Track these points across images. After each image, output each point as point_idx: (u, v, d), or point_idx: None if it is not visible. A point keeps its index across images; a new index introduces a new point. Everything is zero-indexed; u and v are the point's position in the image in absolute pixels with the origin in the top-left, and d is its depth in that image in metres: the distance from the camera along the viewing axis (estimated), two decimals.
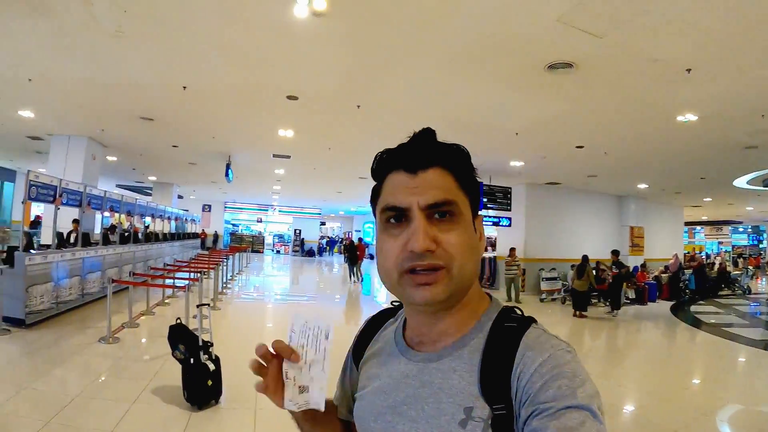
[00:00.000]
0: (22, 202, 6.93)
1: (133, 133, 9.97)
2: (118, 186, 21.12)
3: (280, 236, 35.26)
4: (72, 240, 8.27)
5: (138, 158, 13.56)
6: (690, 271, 15.50)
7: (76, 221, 8.57)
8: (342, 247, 22.56)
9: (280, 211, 32.54)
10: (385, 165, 0.83)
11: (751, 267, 21.84)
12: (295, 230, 33.09)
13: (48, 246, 7.95)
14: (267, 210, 32.60)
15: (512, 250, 13.09)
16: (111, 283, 6.38)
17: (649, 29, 4.27)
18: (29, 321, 6.61)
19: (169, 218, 15.93)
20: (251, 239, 32.70)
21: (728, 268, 18.73)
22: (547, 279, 13.68)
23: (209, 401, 4.07)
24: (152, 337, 6.68)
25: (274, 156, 11.86)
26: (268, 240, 34.79)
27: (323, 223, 35.88)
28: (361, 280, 16.81)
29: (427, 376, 0.79)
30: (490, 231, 18.43)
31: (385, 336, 0.95)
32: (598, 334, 9.21)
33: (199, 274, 7.98)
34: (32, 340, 6.04)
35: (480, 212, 0.87)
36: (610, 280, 11.36)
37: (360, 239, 20.91)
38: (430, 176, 0.78)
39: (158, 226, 14.80)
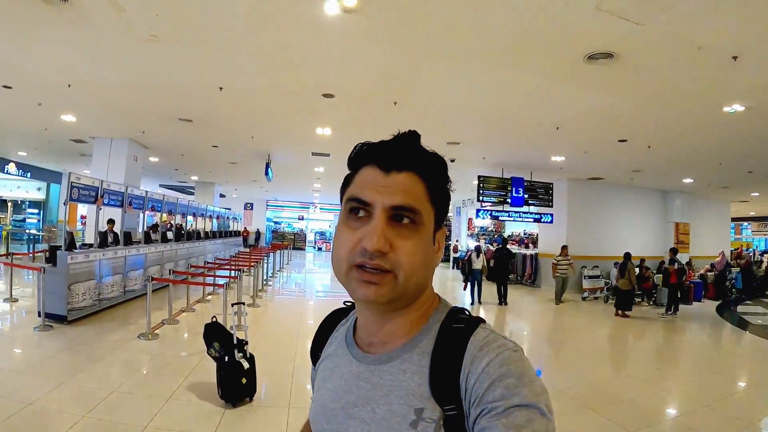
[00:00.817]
0: (64, 203, 7.16)
1: (173, 135, 10.22)
2: (162, 186, 21.76)
3: (322, 233, 35.35)
4: (110, 239, 8.50)
5: (179, 159, 13.97)
6: (737, 269, 14.83)
7: (111, 221, 8.80)
8: None
9: (321, 209, 32.90)
10: (361, 157, 0.84)
11: None
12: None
13: (91, 245, 8.20)
14: (308, 208, 33.08)
15: (564, 248, 12.56)
16: (150, 281, 6.51)
17: (692, 15, 4.05)
18: (71, 317, 6.81)
19: (210, 216, 16.27)
20: (293, 237, 32.99)
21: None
22: (590, 277, 13.37)
23: (243, 399, 4.11)
24: (191, 334, 6.79)
25: (313, 154, 11.94)
26: (310, 237, 35.00)
27: None
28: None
29: (377, 377, 0.80)
30: (531, 228, 18.10)
31: (338, 337, 0.95)
32: (640, 335, 8.90)
33: (238, 272, 8.08)
34: (73, 336, 6.20)
35: (445, 224, 0.88)
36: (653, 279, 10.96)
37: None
38: (401, 179, 0.78)
39: (200, 225, 15.13)
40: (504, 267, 12.13)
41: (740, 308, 12.24)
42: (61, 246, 7.14)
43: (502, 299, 11.51)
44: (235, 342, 4.14)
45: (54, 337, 6.08)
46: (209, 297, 9.74)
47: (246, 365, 4.10)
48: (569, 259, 12.35)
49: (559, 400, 4.78)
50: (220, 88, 6.70)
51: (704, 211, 17.88)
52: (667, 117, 7.25)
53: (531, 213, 13.74)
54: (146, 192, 10.06)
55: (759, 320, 10.51)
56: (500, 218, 15.25)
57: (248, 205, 30.18)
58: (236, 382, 4.01)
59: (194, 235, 13.77)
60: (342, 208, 0.83)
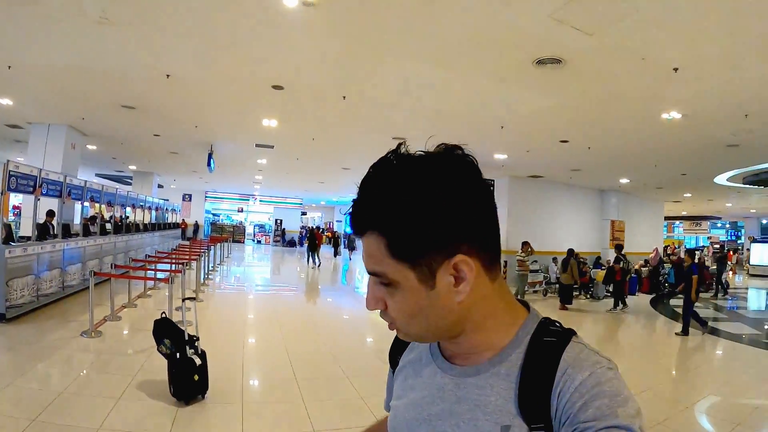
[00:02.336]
0: (1, 193, 6.69)
1: (115, 122, 9.79)
2: (98, 175, 20.80)
3: (261, 226, 35.12)
4: (51, 232, 8.08)
5: (119, 147, 13.35)
6: (669, 265, 15.76)
7: (51, 213, 8.37)
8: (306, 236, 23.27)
9: (261, 201, 32.42)
10: None
11: (729, 262, 22.29)
12: (277, 220, 32.97)
13: (28, 238, 7.77)
14: (248, 200, 32.51)
15: (525, 244, 12.58)
16: (93, 276, 6.24)
17: (639, 28, 4.28)
18: (10, 315, 6.47)
19: (150, 208, 15.73)
20: (232, 229, 32.39)
21: (707, 263, 19.08)
22: (530, 271, 13.79)
23: (195, 396, 4.03)
24: (135, 331, 6.59)
25: (257, 146, 11.77)
26: (249, 230, 34.61)
27: (304, 213, 35.68)
28: (317, 264, 18.17)
29: (463, 391, 0.77)
30: None
31: (422, 344, 0.91)
32: (581, 325, 9.33)
33: (181, 266, 7.87)
34: (13, 334, 5.91)
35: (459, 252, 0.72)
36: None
37: (318, 227, 23.58)
38: (365, 243, 0.74)
39: (138, 216, 14.61)
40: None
41: (672, 301, 13.02)
42: None
43: None
44: (186, 338, 4.04)
45: None
46: (150, 292, 9.42)
47: (198, 361, 4.01)
48: (531, 255, 12.68)
49: None
50: (167, 76, 6.47)
51: (639, 209, 18.81)
52: (608, 121, 7.59)
53: None
54: (85, 182, 9.61)
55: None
56: None
57: (186, 196, 29.39)
58: (189, 380, 3.92)
59: (133, 228, 13.30)
60: None
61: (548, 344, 0.74)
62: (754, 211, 26.57)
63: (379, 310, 0.76)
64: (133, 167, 18.48)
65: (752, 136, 7.75)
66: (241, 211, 34.15)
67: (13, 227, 7.91)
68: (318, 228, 26.10)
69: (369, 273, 0.74)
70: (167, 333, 4.00)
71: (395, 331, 0.79)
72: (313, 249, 18.47)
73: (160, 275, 8.17)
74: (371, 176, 0.73)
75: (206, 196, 30.88)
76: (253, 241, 34.02)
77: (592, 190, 17.08)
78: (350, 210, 0.75)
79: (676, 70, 5.12)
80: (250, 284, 13.69)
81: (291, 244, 31.58)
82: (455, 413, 0.76)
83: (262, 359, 5.83)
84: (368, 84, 6.51)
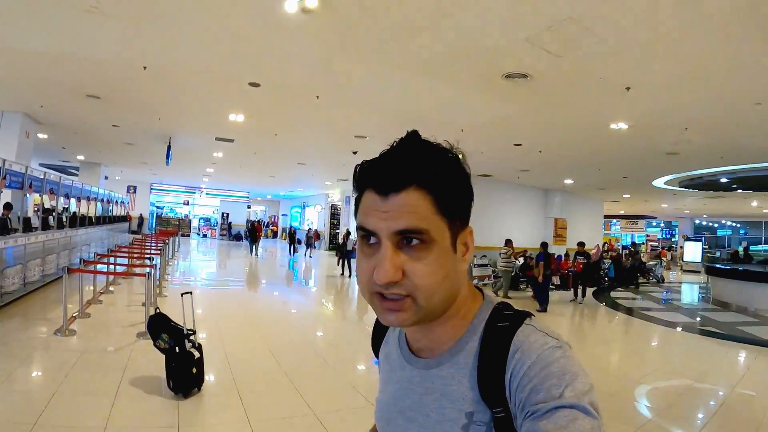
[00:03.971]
0: None
1: (75, 111, 9.51)
2: (42, 165, 19.85)
3: (207, 219, 34.33)
4: (10, 225, 7.84)
5: (72, 137, 12.80)
6: (609, 260, 16.91)
7: (8, 206, 8.06)
8: (247, 230, 23.72)
9: (207, 194, 31.76)
10: (362, 179, 0.78)
11: (664, 258, 23.97)
12: (223, 214, 32.48)
13: None
14: (194, 192, 31.68)
15: (509, 242, 13.06)
16: (66, 272, 6.20)
17: (600, 54, 4.84)
18: None
19: (102, 201, 15.29)
20: (177, 222, 31.60)
21: (644, 259, 20.53)
22: (479, 266, 14.49)
23: (192, 389, 4.19)
24: (107, 327, 6.56)
25: (217, 139, 11.74)
26: (194, 223, 33.79)
27: (249, 207, 35.24)
28: (256, 255, 20.03)
29: (429, 382, 0.81)
30: None
31: (394, 338, 0.95)
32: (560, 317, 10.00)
33: (148, 260, 7.89)
34: None
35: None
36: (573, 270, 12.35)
37: (259, 221, 25.52)
38: (401, 200, 0.71)
39: (88, 209, 14.13)
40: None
41: (613, 294, 14.16)
42: None
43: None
44: (185, 332, 4.21)
45: None
46: (112, 288, 9.35)
47: (196, 355, 4.19)
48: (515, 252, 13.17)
49: None
50: (144, 68, 6.40)
51: (580, 208, 19.95)
52: (562, 128, 8.23)
53: None
54: (45, 173, 9.36)
55: (629, 303, 12.43)
56: None
57: (131, 188, 28.37)
58: (188, 373, 4.09)
59: (87, 221, 12.97)
60: (357, 233, 0.79)
61: (501, 329, 0.76)
62: (688, 211, 28.43)
63: (384, 285, 0.71)
64: (81, 157, 17.68)
65: (690, 146, 8.63)
66: (187, 203, 33.13)
67: None
68: (259, 221, 26.83)
69: (400, 232, 0.71)
70: (164, 328, 4.16)
71: (395, 315, 0.73)
72: (254, 240, 20.61)
73: (119, 269, 8.12)
74: (411, 140, 0.77)
75: (152, 188, 29.91)
76: (199, 234, 33.26)
77: (537, 189, 18.06)
78: (385, 164, 0.75)
79: (628, 89, 5.75)
80: (209, 279, 13.70)
81: (237, 238, 31.07)
82: (424, 404, 0.80)
83: (242, 351, 5.97)
84: (343, 86, 6.75)
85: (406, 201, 0.71)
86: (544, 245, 11.28)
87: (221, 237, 32.04)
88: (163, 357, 4.44)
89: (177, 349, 4.10)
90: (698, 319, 10.68)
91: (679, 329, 9.35)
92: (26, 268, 8.04)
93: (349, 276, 14.87)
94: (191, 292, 4.82)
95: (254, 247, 20.75)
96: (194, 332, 4.36)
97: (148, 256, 8.56)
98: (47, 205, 10.34)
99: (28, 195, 8.47)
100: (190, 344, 4.22)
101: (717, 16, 4.00)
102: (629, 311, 11.17)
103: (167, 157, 12.33)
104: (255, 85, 6.92)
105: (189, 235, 31.40)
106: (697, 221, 34.03)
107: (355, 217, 0.79)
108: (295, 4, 4.24)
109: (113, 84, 7.45)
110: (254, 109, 8.58)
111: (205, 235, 33.19)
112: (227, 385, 4.60)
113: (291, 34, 5.05)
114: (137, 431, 3.58)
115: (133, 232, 23.38)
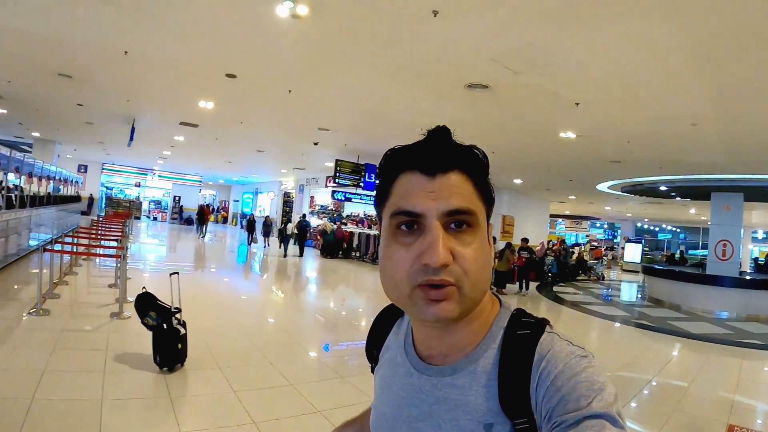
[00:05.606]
0: None
1: (42, 88, 9.44)
2: None
3: (158, 202, 33.66)
4: None
5: (32, 113, 12.57)
6: (552, 257, 17.98)
7: None
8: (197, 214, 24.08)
9: (159, 176, 31.29)
10: (396, 163, 0.76)
11: (601, 258, 25.40)
12: (175, 197, 32.09)
13: None
14: (146, 174, 31.15)
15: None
16: (42, 252, 6.31)
17: (554, 74, 5.51)
18: None
19: (58, 179, 14.97)
20: (128, 204, 30.76)
21: (585, 257, 21.83)
22: None
23: (176, 364, 4.50)
24: (80, 307, 6.69)
25: (181, 123, 11.86)
26: (144, 206, 33.06)
27: (200, 191, 34.79)
28: (203, 237, 21.59)
29: (441, 392, 0.77)
30: (372, 210, 20.14)
31: (397, 342, 0.91)
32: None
33: (119, 242, 8.03)
34: None
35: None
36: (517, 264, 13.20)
37: (208, 205, 27.41)
38: (450, 180, 0.71)
39: (39, 188, 13.81)
40: (302, 234, 18.03)
41: (555, 288, 15.14)
42: None
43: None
44: (172, 310, 4.54)
45: None
46: (75, 269, 9.38)
47: (182, 331, 4.53)
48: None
49: None
50: (126, 53, 6.54)
51: (527, 206, 21.00)
52: (515, 133, 8.94)
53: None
54: (10, 152, 9.25)
55: (569, 297, 13.32)
56: (353, 200, 18.41)
57: (82, 167, 27.57)
58: (174, 348, 4.41)
59: (38, 200, 12.62)
60: (385, 224, 0.76)
61: (522, 337, 0.75)
62: (630, 215, 30.17)
63: (433, 271, 0.68)
64: (36, 134, 17.23)
65: (632, 156, 9.52)
66: (138, 185, 32.37)
67: None
68: (208, 205, 28.22)
69: (451, 212, 0.70)
70: (151, 306, 4.46)
71: (442, 306, 0.69)
72: (202, 223, 22.12)
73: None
74: (446, 130, 0.78)
75: (103, 168, 29.13)
76: (149, 217, 32.63)
77: None
78: (428, 147, 0.75)
79: (577, 104, 6.44)
80: (166, 259, 13.95)
81: (189, 222, 30.65)
82: (435, 414, 0.76)
83: (213, 329, 6.27)
84: (316, 83, 7.16)
85: (453, 182, 0.72)
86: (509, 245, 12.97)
87: (172, 221, 31.65)
88: (141, 335, 4.82)
89: (165, 326, 4.41)
90: (633, 313, 11.61)
91: (613, 321, 10.22)
92: None
93: (284, 256, 17.30)
94: (178, 273, 5.12)
95: (202, 228, 22.09)
96: (179, 310, 4.68)
97: (116, 237, 8.64)
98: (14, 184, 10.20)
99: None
100: (176, 321, 4.54)
101: (659, 50, 4.67)
102: (568, 304, 12.07)
103: (131, 138, 12.34)
104: (231, 76, 7.20)
105: (139, 218, 30.66)
106: (639, 224, 36.19)
107: (380, 205, 0.78)
108: (287, 10, 4.61)
109: (89, 65, 7.49)
110: (226, 98, 8.83)
111: (155, 218, 32.56)
112: (207, 359, 4.93)
113: (276, 34, 5.39)
114: (132, 402, 3.87)
115: (83, 213, 22.76)
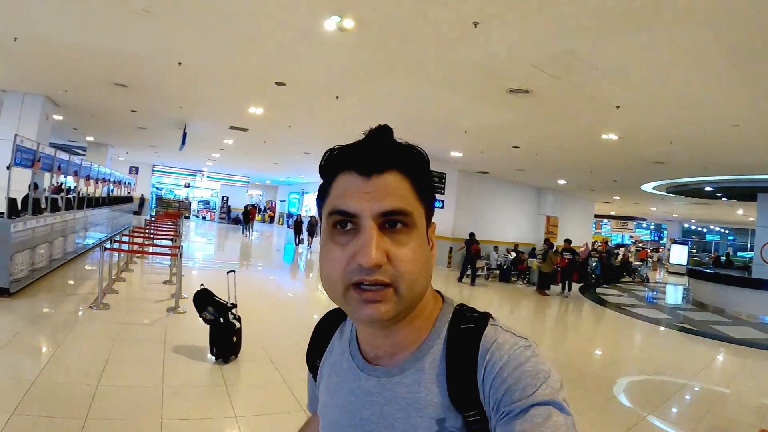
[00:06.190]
0: (8, 168, 6.77)
1: (98, 97, 10.03)
2: (51, 145, 20.16)
3: (206, 202, 34.74)
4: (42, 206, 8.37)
5: (87, 119, 13.35)
6: (597, 258, 17.69)
7: (36, 186, 8.44)
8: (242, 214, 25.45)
9: (208, 177, 32.18)
10: (335, 163, 0.76)
11: (647, 259, 24.71)
12: (223, 197, 32.93)
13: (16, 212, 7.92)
14: (195, 175, 32.12)
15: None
16: (103, 250, 6.76)
17: (593, 78, 5.59)
18: (13, 289, 6.52)
19: (112, 181, 15.82)
20: (177, 204, 31.85)
21: (630, 259, 21.33)
22: None
23: (230, 356, 4.83)
24: (137, 302, 7.18)
25: (231, 127, 12.31)
26: (193, 206, 34.19)
27: (247, 191, 35.78)
28: (250, 235, 22.99)
29: (390, 392, 0.76)
30: None
31: (339, 346, 0.90)
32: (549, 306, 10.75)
33: (173, 241, 8.47)
34: (25, 309, 6.06)
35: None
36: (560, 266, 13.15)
37: (254, 205, 28.62)
38: (385, 181, 0.71)
39: (95, 190, 14.59)
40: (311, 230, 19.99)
41: (598, 290, 14.94)
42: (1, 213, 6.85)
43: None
44: (229, 306, 4.87)
45: (5, 310, 5.86)
46: (131, 266, 9.90)
47: (237, 325, 4.85)
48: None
49: None
50: (179, 63, 6.93)
51: (572, 207, 20.71)
52: (557, 135, 8.97)
53: None
54: (69, 157, 9.88)
55: (612, 299, 13.16)
56: None
57: (133, 168, 28.71)
58: (229, 341, 4.75)
59: (96, 202, 13.39)
60: (324, 222, 0.76)
61: (466, 331, 0.75)
62: (676, 215, 29.40)
63: (366, 272, 0.67)
64: (90, 138, 18.18)
65: (675, 157, 9.41)
66: (188, 186, 33.48)
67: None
68: (253, 206, 28.97)
69: (385, 213, 0.69)
70: (209, 302, 4.79)
71: (376, 307, 0.69)
72: (247, 222, 23.51)
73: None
74: (386, 131, 0.76)
75: (153, 170, 30.31)
76: (197, 217, 33.66)
77: (531, 187, 18.79)
78: (365, 147, 0.74)
79: (618, 107, 6.45)
80: (221, 258, 14.63)
81: (236, 221, 31.27)
82: (387, 415, 0.76)
83: (265, 324, 6.63)
84: (363, 89, 7.43)
85: (389, 182, 0.71)
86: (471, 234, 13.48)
87: (220, 220, 32.50)
88: (196, 329, 5.22)
89: (221, 320, 4.74)
90: (674, 316, 11.42)
91: (653, 324, 10.06)
92: (52, 246, 8.56)
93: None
94: (234, 271, 5.45)
95: (247, 227, 23.58)
96: (235, 306, 5.01)
97: (169, 236, 9.12)
98: (70, 186, 10.89)
99: (59, 177, 8.94)
100: (232, 316, 4.86)
101: (697, 53, 4.69)
102: (611, 306, 11.95)
103: (182, 142, 12.89)
104: (281, 84, 7.53)
105: (189, 218, 31.65)
106: (686, 225, 35.14)
107: (320, 205, 0.78)
108: (334, 24, 4.87)
109: (144, 75, 7.98)
110: (275, 104, 9.17)
111: (204, 218, 33.58)
112: (259, 352, 5.23)
113: (323, 46, 5.67)
114: (190, 389, 4.21)
115: (135, 213, 23.83)
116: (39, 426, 3.22)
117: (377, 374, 0.79)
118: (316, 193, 0.80)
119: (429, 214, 0.77)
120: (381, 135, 0.75)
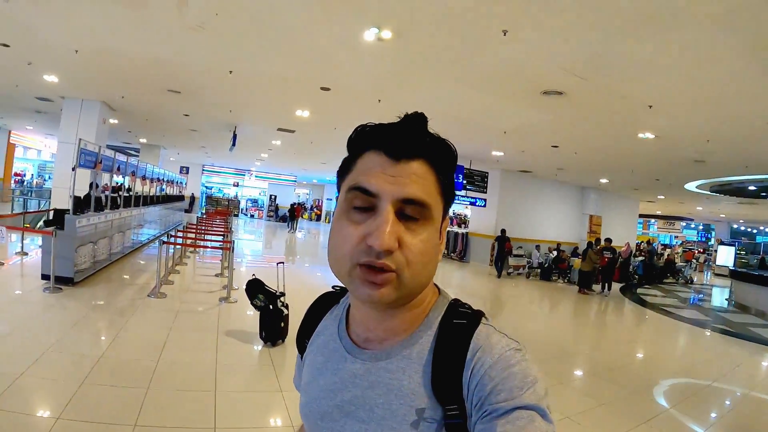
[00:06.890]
0: (73, 169, 7.42)
1: (153, 102, 10.60)
2: (107, 146, 21.31)
3: (254, 201, 35.63)
4: (103, 203, 9.02)
5: (141, 123, 14.05)
6: (640, 258, 17.41)
7: (95, 186, 9.01)
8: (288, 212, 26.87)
9: (256, 176, 32.98)
10: (365, 139, 0.76)
11: (692, 260, 24.05)
12: (271, 196, 33.78)
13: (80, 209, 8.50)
14: (244, 174, 32.97)
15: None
16: (161, 245, 7.31)
17: (622, 78, 5.73)
18: (77, 279, 7.04)
19: (164, 181, 16.66)
20: (227, 202, 32.75)
21: (675, 259, 20.86)
22: (515, 256, 15.34)
23: (278, 340, 5.26)
24: (191, 292, 7.70)
25: (279, 129, 12.75)
26: (242, 204, 34.98)
27: (294, 190, 36.62)
28: (295, 231, 24.72)
29: (374, 376, 0.77)
30: (465, 210, 20.12)
31: (328, 327, 0.91)
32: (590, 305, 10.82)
33: (224, 236, 9.00)
34: (89, 296, 6.55)
35: (451, 208, 0.80)
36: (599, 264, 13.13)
37: (300, 203, 30.79)
38: (412, 168, 0.71)
39: (149, 189, 15.33)
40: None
41: (639, 290, 14.78)
42: (65, 210, 7.48)
43: None
44: (278, 294, 5.30)
45: (72, 297, 6.34)
46: (185, 260, 10.53)
47: (285, 312, 5.27)
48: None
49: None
50: (230, 72, 7.36)
51: (615, 206, 20.33)
52: (594, 135, 9.05)
53: (467, 197, 15.59)
54: (127, 158, 10.56)
55: (653, 300, 13.05)
56: None
57: (184, 168, 29.71)
58: (277, 326, 5.18)
59: (150, 200, 14.05)
60: (341, 197, 0.76)
61: (458, 326, 0.76)
62: (724, 215, 28.35)
63: (376, 254, 0.68)
64: (143, 140, 19.12)
65: (715, 155, 9.33)
66: (237, 185, 34.52)
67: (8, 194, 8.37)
68: (299, 204, 30.81)
69: (406, 200, 0.69)
70: (260, 290, 5.23)
71: (378, 289, 0.69)
72: (292, 218, 25.53)
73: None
74: (422, 117, 0.74)
75: (203, 169, 31.37)
76: (246, 215, 34.53)
77: (574, 186, 18.58)
78: (399, 130, 0.73)
79: (650, 107, 6.55)
80: (270, 253, 15.40)
81: (284, 219, 31.65)
82: (368, 398, 0.76)
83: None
84: (403, 93, 7.68)
85: (415, 170, 0.71)
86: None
87: (268, 218, 33.29)
88: (246, 317, 5.75)
89: (271, 307, 5.18)
90: (713, 318, 11.22)
91: (690, 325, 9.96)
92: (111, 240, 9.21)
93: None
94: (283, 262, 5.89)
95: (293, 224, 25.43)
96: (284, 294, 5.43)
97: (221, 232, 9.68)
98: (128, 186, 11.63)
99: (118, 177, 9.61)
100: (280, 303, 5.28)
101: (727, 53, 4.75)
102: (649, 306, 11.88)
103: (233, 144, 13.40)
104: (326, 89, 7.89)
105: (237, 215, 32.47)
106: (734, 226, 33.77)
107: (341, 178, 0.78)
108: (373, 35, 5.21)
109: (196, 83, 8.45)
110: (320, 107, 9.51)
111: (252, 216, 34.40)
112: None
113: (364, 54, 5.99)
114: (241, 368, 4.68)
115: (185, 211, 24.86)
116: (106, 394, 3.67)
117: (363, 357, 0.80)
118: (339, 166, 0.80)
119: (446, 210, 0.78)
120: (416, 122, 0.74)
